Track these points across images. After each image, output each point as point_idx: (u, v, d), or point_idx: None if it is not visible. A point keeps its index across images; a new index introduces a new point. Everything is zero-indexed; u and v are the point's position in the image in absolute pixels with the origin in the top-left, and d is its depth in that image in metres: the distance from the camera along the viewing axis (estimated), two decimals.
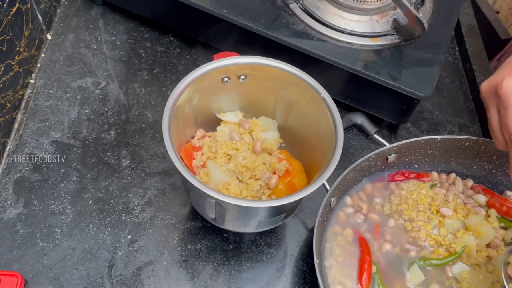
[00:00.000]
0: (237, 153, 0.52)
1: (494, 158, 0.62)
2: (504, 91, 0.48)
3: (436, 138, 0.61)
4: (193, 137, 0.56)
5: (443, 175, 0.63)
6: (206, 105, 0.56)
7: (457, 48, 0.84)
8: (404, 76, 0.65)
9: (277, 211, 0.49)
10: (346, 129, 0.60)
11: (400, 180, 0.62)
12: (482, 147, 0.61)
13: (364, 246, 0.57)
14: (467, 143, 0.61)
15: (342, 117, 0.59)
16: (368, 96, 0.69)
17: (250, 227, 0.52)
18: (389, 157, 0.61)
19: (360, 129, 0.61)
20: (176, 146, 0.50)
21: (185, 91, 0.50)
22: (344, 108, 0.73)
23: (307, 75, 0.53)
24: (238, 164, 0.52)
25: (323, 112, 0.52)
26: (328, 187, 0.56)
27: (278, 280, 0.59)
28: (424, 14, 0.71)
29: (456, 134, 0.74)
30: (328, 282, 0.54)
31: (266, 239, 0.62)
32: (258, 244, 0.62)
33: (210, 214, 0.52)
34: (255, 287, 0.59)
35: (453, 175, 0.63)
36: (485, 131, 0.74)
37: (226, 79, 0.54)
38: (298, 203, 0.53)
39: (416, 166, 0.64)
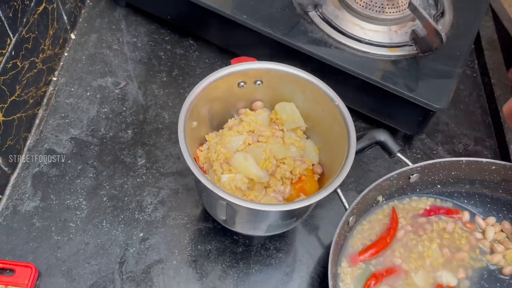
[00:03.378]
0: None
1: None
2: None
3: (461, 160, 0.59)
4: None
5: (479, 219, 0.61)
6: (222, 108, 0.57)
7: (476, 61, 0.84)
8: (420, 87, 0.65)
9: (287, 216, 0.50)
10: (368, 147, 0.60)
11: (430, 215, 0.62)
12: (510, 172, 0.59)
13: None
14: (494, 167, 0.59)
15: (365, 134, 0.59)
16: (384, 106, 0.69)
17: (260, 230, 0.53)
18: (411, 176, 0.59)
19: (383, 147, 0.60)
20: (191, 147, 0.52)
21: (202, 93, 0.51)
22: (359, 117, 0.73)
23: (322, 82, 0.53)
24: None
25: (337, 120, 0.52)
26: (347, 206, 0.55)
27: (286, 285, 0.60)
28: (443, 26, 0.71)
29: (472, 148, 0.74)
30: None
31: (276, 244, 0.63)
32: (267, 248, 0.62)
33: (221, 216, 0.53)
34: None
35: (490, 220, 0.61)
36: (502, 146, 0.73)
37: (242, 83, 0.55)
38: (307, 208, 0.53)
39: (439, 186, 0.62)
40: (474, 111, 0.78)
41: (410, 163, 0.59)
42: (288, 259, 0.62)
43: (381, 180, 0.57)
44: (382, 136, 0.59)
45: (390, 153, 0.60)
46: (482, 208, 0.62)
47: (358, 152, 0.59)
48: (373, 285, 0.56)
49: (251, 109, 0.58)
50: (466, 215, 0.62)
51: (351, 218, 0.56)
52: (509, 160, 0.70)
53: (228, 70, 0.53)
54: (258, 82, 0.56)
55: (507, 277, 0.58)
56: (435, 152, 0.73)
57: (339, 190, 0.56)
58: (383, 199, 0.61)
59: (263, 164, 0.51)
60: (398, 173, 0.58)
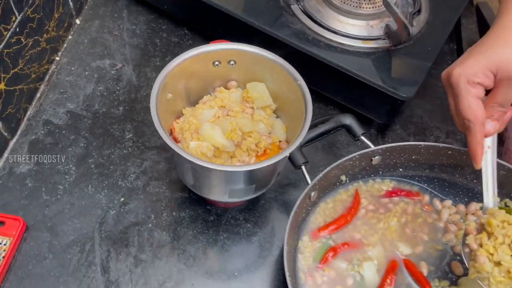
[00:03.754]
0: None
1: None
2: (454, 79, 0.52)
3: (420, 145, 0.63)
4: None
5: (436, 201, 0.65)
6: (199, 85, 0.62)
7: None
8: (389, 78, 0.69)
9: (245, 180, 0.54)
10: (334, 129, 0.64)
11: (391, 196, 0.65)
12: (464, 157, 0.62)
13: None
14: (450, 152, 0.63)
15: (331, 117, 0.64)
16: (356, 95, 0.73)
17: (223, 195, 0.57)
18: (373, 158, 0.64)
19: (348, 130, 0.64)
20: (166, 117, 0.57)
21: (177, 68, 0.57)
22: (335, 105, 0.77)
23: (288, 63, 0.58)
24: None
25: (298, 98, 0.57)
26: (309, 181, 0.59)
27: (249, 252, 0.64)
28: (418, 23, 0.75)
29: (443, 140, 0.77)
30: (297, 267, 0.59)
31: (245, 215, 0.67)
32: (237, 219, 0.67)
33: (189, 180, 0.58)
34: (229, 254, 0.64)
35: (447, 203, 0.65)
36: None
37: (217, 63, 0.60)
38: (268, 176, 0.58)
39: (401, 170, 0.66)
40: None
41: (372, 146, 0.63)
42: (255, 230, 0.66)
43: (343, 159, 0.61)
44: (347, 119, 0.64)
45: (354, 135, 0.64)
46: (441, 191, 0.66)
47: (324, 134, 0.64)
48: (331, 257, 0.60)
49: (226, 88, 0.63)
50: (426, 198, 0.65)
51: (313, 193, 0.60)
52: None
53: (203, 49, 0.58)
54: (232, 62, 0.61)
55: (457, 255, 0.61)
56: (406, 141, 0.76)
57: (303, 168, 0.61)
58: (347, 178, 0.65)
59: (229, 135, 0.57)
60: (360, 154, 0.62)
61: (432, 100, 0.82)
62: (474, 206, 0.63)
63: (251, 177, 0.55)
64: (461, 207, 0.64)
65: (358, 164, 0.64)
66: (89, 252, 0.62)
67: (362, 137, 0.64)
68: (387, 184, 0.67)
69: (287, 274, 0.52)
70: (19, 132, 0.72)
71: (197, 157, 0.51)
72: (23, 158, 0.69)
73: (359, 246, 0.62)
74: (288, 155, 0.53)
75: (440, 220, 0.63)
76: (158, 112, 0.53)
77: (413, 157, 0.65)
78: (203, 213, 0.67)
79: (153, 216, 0.66)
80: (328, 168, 0.60)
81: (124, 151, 0.71)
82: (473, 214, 0.63)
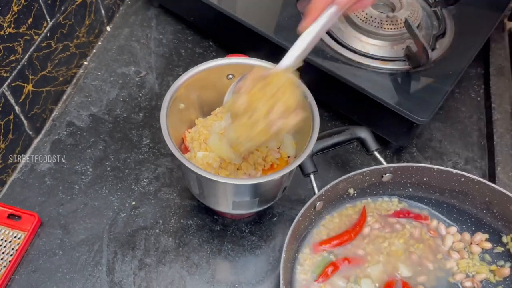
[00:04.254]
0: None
1: (487, 199, 0.61)
2: None
3: (433, 168, 0.62)
4: None
5: (441, 226, 0.64)
6: (213, 97, 0.64)
7: (483, 86, 0.85)
8: (406, 100, 0.68)
9: (249, 193, 0.55)
10: (348, 141, 0.64)
11: (399, 217, 0.65)
12: (477, 186, 0.61)
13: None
14: (463, 179, 0.61)
15: (347, 129, 0.64)
16: (373, 115, 0.73)
17: (227, 206, 0.58)
18: (384, 176, 0.63)
19: (362, 143, 0.64)
20: (178, 126, 0.59)
21: (190, 80, 0.59)
22: (352, 124, 0.77)
23: (300, 81, 0.59)
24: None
25: (308, 115, 0.57)
26: (316, 191, 0.60)
27: (253, 264, 0.65)
28: (441, 45, 0.74)
29: (461, 167, 0.75)
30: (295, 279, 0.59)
31: (251, 228, 0.68)
32: (242, 231, 0.67)
33: (194, 189, 0.60)
34: (231, 265, 0.65)
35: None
36: (492, 170, 0.74)
37: (230, 76, 0.62)
38: (274, 189, 0.58)
39: (410, 190, 0.65)
40: (471, 132, 0.80)
41: (384, 162, 0.62)
42: (260, 243, 0.67)
43: (353, 173, 0.61)
44: (363, 132, 0.64)
45: (368, 150, 0.63)
46: (448, 217, 0.64)
47: (338, 145, 0.64)
48: (330, 272, 0.60)
49: None
50: (433, 223, 0.64)
51: (318, 203, 0.60)
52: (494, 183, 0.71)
53: (217, 62, 0.60)
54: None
55: (458, 282, 0.60)
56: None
57: (312, 176, 0.61)
58: (355, 192, 0.64)
59: (235, 147, 0.57)
60: (371, 170, 0.62)
61: (453, 125, 0.80)
62: (480, 236, 0.61)
63: (255, 190, 0.55)
64: (466, 235, 0.63)
65: (368, 179, 0.63)
66: (97, 252, 0.64)
67: (376, 153, 0.63)
68: (396, 204, 0.66)
69: (281, 283, 0.52)
70: (43, 132, 0.75)
71: (201, 168, 0.52)
72: (44, 157, 0.72)
73: (360, 263, 0.61)
74: (294, 169, 0.53)
75: (444, 246, 0.62)
76: (167, 121, 0.54)
77: (425, 179, 0.64)
78: (210, 222, 0.68)
79: (161, 221, 0.68)
80: (337, 180, 0.60)
81: (140, 156, 0.74)
82: (478, 244, 0.61)
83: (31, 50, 0.68)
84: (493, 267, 0.61)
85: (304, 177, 0.62)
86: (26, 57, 0.67)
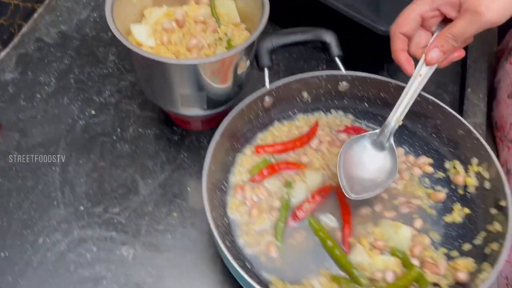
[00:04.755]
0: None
1: (438, 122, 0.59)
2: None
3: (391, 82, 0.59)
4: None
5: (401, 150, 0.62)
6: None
7: None
8: (373, 12, 0.66)
9: (194, 80, 0.53)
10: (311, 41, 0.60)
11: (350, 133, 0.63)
12: (431, 107, 0.58)
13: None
14: (419, 98, 0.56)
15: (313, 30, 0.60)
16: (344, 36, 0.71)
17: (174, 103, 0.57)
18: (341, 83, 0.61)
19: (326, 47, 0.60)
20: (128, 22, 0.58)
21: None
22: None
23: None
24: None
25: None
26: (268, 85, 0.57)
27: None
28: None
29: (432, 91, 0.73)
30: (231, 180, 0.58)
31: (210, 139, 0.67)
32: (200, 141, 0.67)
33: (143, 86, 0.59)
34: (187, 172, 0.64)
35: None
36: (462, 94, 0.72)
37: None
38: (222, 81, 0.56)
39: (366, 105, 0.63)
40: None
41: (343, 70, 0.60)
42: None
43: (308, 74, 0.59)
44: (328, 36, 0.59)
45: (330, 55, 0.60)
46: (399, 138, 0.62)
47: (300, 43, 0.60)
48: (267, 173, 0.58)
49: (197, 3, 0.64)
50: None
51: (267, 98, 0.58)
52: (462, 104, 0.69)
53: None
54: None
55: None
56: None
57: (266, 71, 0.58)
58: (309, 97, 0.62)
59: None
60: (328, 75, 0.60)
61: None
62: (424, 160, 0.60)
63: (199, 77, 0.53)
64: (411, 158, 0.61)
65: (324, 85, 0.61)
66: (52, 154, 0.64)
67: (337, 59, 0.60)
68: (350, 120, 0.64)
69: (204, 180, 0.50)
70: (10, 46, 0.75)
71: (136, 46, 0.51)
72: (9, 68, 0.73)
73: (300, 168, 0.59)
74: (244, 56, 0.51)
75: None
76: (113, 8, 0.54)
77: (381, 94, 0.61)
78: (168, 133, 0.67)
79: (119, 130, 0.67)
80: (291, 78, 0.58)
81: (105, 71, 0.73)
82: (420, 167, 0.60)
83: None
84: (430, 190, 0.59)
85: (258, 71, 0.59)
86: None
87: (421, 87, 0.54)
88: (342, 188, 0.54)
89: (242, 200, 0.57)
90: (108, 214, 0.59)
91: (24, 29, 0.78)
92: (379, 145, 0.57)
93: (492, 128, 0.72)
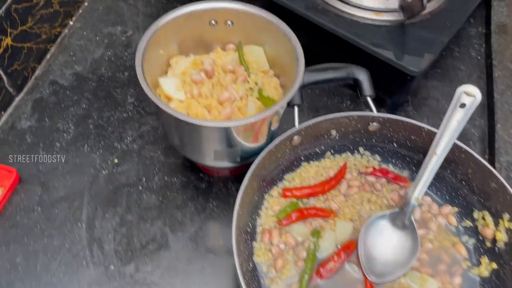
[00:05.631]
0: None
1: (469, 171, 0.57)
2: None
3: (423, 128, 0.58)
4: None
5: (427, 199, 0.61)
6: (196, 45, 0.61)
7: (483, 45, 0.82)
8: (401, 52, 0.65)
9: (228, 140, 0.52)
10: (343, 79, 0.59)
11: (378, 176, 0.62)
12: (462, 155, 0.57)
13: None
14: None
15: (345, 67, 0.59)
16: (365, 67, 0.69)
17: (208, 157, 0.55)
18: (371, 124, 0.60)
19: (358, 85, 0.58)
20: (155, 73, 0.56)
21: (170, 24, 0.56)
22: None
23: (288, 27, 0.56)
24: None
25: (293, 60, 0.54)
26: (297, 124, 0.56)
27: None
28: None
29: None
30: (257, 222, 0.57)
31: (238, 186, 0.64)
32: (228, 188, 0.65)
33: (174, 140, 0.57)
34: (218, 222, 0.62)
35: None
36: (491, 128, 0.71)
37: (213, 22, 0.59)
38: (257, 135, 0.55)
39: (395, 145, 0.62)
40: None
41: (375, 111, 0.59)
42: None
43: (340, 115, 0.58)
44: (362, 74, 0.58)
45: (361, 93, 0.58)
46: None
47: (332, 81, 0.60)
48: (295, 217, 0.57)
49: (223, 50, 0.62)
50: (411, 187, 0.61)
51: (296, 137, 0.57)
52: (493, 141, 0.68)
53: (198, 6, 0.57)
54: (229, 22, 0.59)
55: None
56: None
57: (296, 109, 0.57)
58: (337, 135, 0.61)
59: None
60: (359, 115, 0.59)
61: (452, 84, 0.77)
62: (449, 209, 0.58)
63: (233, 136, 0.52)
64: (434, 206, 0.60)
65: (354, 124, 0.60)
66: (76, 209, 0.62)
67: (369, 99, 0.59)
68: (375, 162, 0.63)
69: (234, 216, 0.50)
70: (25, 90, 0.73)
71: (168, 106, 0.49)
72: (25, 115, 0.70)
73: (329, 217, 0.58)
74: (280, 110, 0.50)
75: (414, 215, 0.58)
76: (143, 64, 0.52)
77: (412, 137, 0.60)
78: (195, 180, 0.65)
79: (144, 179, 0.65)
80: (321, 118, 0.57)
81: (124, 115, 0.71)
82: (444, 217, 0.58)
83: (8, 1, 0.65)
84: (456, 239, 0.57)
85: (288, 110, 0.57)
86: (3, 8, 0.65)
87: (438, 164, 0.54)
88: (363, 269, 0.54)
89: (268, 247, 0.56)
90: (140, 273, 0.57)
91: (38, 72, 0.75)
92: (399, 224, 0.57)
93: None
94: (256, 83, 0.57)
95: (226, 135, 0.51)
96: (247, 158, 0.58)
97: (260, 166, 0.55)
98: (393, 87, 0.69)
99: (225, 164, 0.57)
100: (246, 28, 0.59)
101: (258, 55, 0.59)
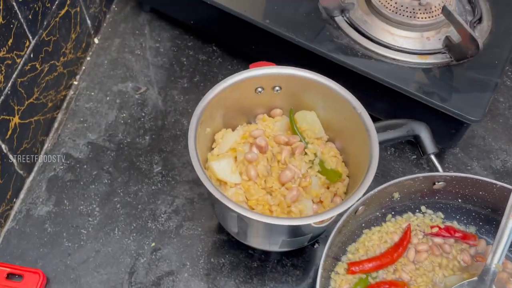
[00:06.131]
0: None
1: None
2: None
3: (495, 184, 0.54)
4: None
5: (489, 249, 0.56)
6: (239, 114, 0.55)
7: None
8: (453, 97, 0.60)
9: (301, 231, 0.46)
10: (403, 138, 0.55)
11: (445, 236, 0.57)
12: None
13: None
14: None
15: (404, 124, 0.55)
16: (414, 117, 0.64)
17: (274, 246, 0.49)
18: (436, 183, 0.56)
19: (419, 143, 0.55)
20: (203, 153, 0.49)
21: (216, 98, 0.49)
22: None
23: (345, 89, 0.50)
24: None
25: (359, 129, 0.49)
26: (441, 169, 0.54)
27: None
28: (480, 33, 0.66)
29: (511, 164, 0.68)
30: None
31: (293, 260, 0.59)
32: (284, 265, 0.59)
33: (233, 229, 0.50)
34: None
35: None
36: None
37: (260, 89, 0.52)
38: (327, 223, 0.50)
39: (460, 200, 0.58)
40: None
41: (441, 170, 0.55)
42: (305, 276, 0.58)
43: (404, 178, 0.54)
44: (423, 130, 0.55)
45: (423, 151, 0.55)
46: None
47: (391, 141, 0.56)
48: None
49: (270, 116, 0.55)
50: (482, 243, 0.57)
51: (361, 207, 0.53)
52: None
53: (245, 75, 0.50)
54: (277, 88, 0.53)
55: None
56: (469, 167, 0.67)
57: (433, 157, 0.55)
58: (399, 196, 0.57)
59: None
60: (425, 177, 0.55)
61: (494, 118, 0.73)
62: None
63: (308, 226, 0.46)
64: (510, 265, 0.55)
65: (418, 185, 0.56)
66: None
67: (433, 156, 0.55)
68: (439, 220, 0.59)
69: None
70: (36, 169, 0.64)
71: (246, 208, 0.43)
72: (41, 199, 0.62)
73: None
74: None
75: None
76: (197, 152, 0.45)
77: (480, 193, 0.56)
78: (244, 258, 0.59)
79: (188, 263, 0.58)
80: (386, 184, 0.53)
81: (153, 187, 0.64)
82: None
83: (14, 76, 0.57)
84: None
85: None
86: (9, 85, 0.56)
87: None
88: None
89: None
90: None
91: (47, 145, 0.67)
92: None
93: None
94: (316, 155, 0.51)
95: (301, 227, 0.45)
96: (314, 238, 0.52)
97: (330, 246, 0.49)
98: (445, 132, 0.64)
99: (291, 248, 0.51)
100: (295, 93, 0.53)
101: (312, 121, 0.53)
